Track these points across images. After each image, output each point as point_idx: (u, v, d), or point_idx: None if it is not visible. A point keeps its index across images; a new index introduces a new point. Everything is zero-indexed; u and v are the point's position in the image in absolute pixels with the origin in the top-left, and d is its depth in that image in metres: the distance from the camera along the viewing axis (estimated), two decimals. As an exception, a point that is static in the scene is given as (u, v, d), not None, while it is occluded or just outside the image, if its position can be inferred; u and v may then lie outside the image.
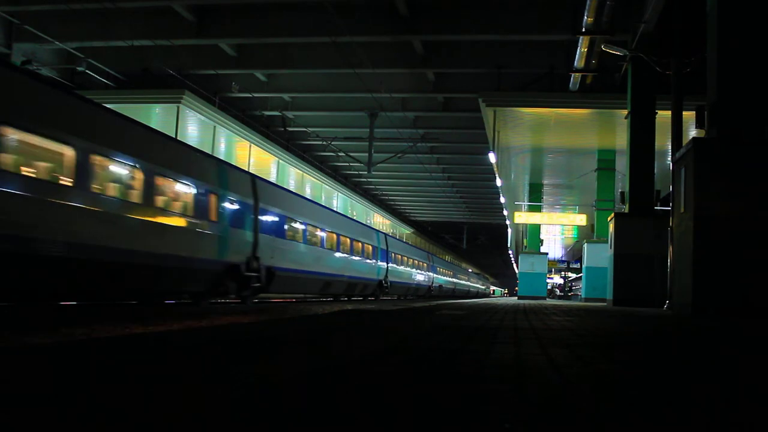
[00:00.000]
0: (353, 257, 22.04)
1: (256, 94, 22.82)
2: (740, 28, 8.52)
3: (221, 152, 22.33)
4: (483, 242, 63.29)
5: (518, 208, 29.64)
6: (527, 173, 27.27)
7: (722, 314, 7.58)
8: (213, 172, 12.77)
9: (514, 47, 18.49)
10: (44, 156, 8.48)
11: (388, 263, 26.96)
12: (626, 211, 14.38)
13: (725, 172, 8.07)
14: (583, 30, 14.69)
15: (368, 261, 24.15)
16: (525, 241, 33.22)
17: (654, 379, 2.35)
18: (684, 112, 11.89)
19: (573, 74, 17.04)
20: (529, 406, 1.71)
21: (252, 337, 3.62)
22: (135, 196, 10.03)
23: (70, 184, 8.59)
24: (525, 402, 1.76)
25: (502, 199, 29.34)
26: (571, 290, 53.06)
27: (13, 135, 7.79)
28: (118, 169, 9.84)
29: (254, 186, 14.43)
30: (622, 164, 18.14)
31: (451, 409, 1.65)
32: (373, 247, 24.90)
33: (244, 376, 2.11)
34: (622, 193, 15.12)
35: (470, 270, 70.64)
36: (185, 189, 11.55)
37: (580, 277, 30.95)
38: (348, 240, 21.40)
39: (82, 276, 9.03)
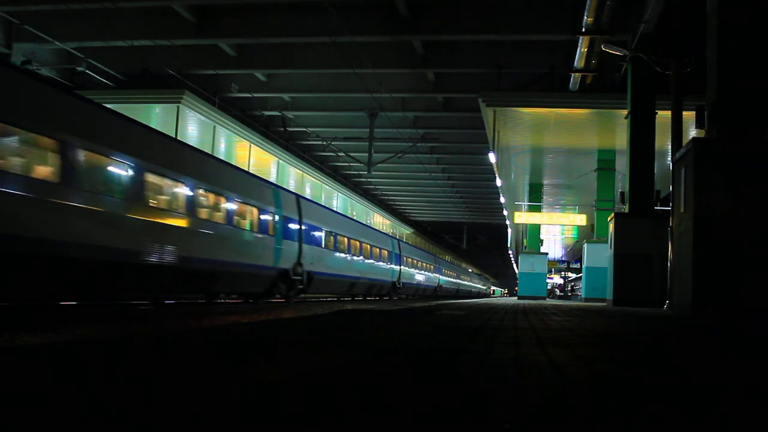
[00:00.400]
0: (373, 262, 25.01)
1: (256, 94, 22.82)
2: (740, 28, 8.52)
3: (221, 152, 22.33)
4: (483, 242, 63.28)
5: (518, 208, 29.62)
6: (527, 173, 27.26)
7: (722, 314, 7.58)
8: (272, 196, 15.75)
9: (514, 47, 18.48)
10: (177, 196, 11.56)
11: (400, 266, 29.58)
12: (626, 211, 14.37)
13: (725, 172, 8.07)
14: (583, 30, 14.69)
15: (385, 265, 26.92)
16: (525, 241, 33.22)
17: (654, 379, 2.35)
18: (684, 112, 11.88)
19: (573, 74, 17.03)
20: (529, 406, 1.71)
21: (252, 336, 3.62)
22: (229, 221, 13.35)
23: (203, 219, 12.32)
24: (525, 402, 1.76)
25: (502, 199, 29.33)
26: (572, 291, 53.07)
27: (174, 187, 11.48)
28: (222, 202, 13.18)
29: (299, 204, 17.42)
30: (622, 164, 18.13)
31: (451, 409, 1.65)
32: (389, 252, 27.76)
33: (245, 376, 2.11)
34: (622, 193, 15.12)
35: (470, 270, 70.76)
36: (256, 212, 14.69)
37: (580, 277, 30.95)
38: (369, 246, 24.27)
39: (200, 279, 12.16)
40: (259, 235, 14.76)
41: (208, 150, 17.96)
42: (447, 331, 4.28)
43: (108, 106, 11.04)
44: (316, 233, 18.45)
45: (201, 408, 1.60)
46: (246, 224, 14.21)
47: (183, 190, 11.62)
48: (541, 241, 31.52)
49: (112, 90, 19.97)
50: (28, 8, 16.99)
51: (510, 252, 51.39)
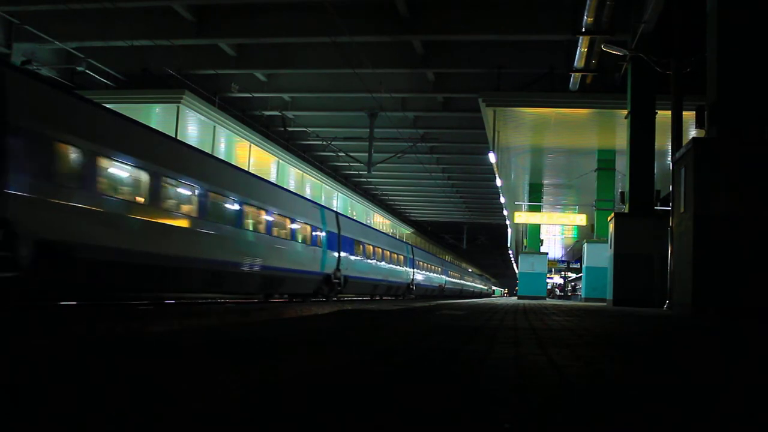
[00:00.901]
0: (393, 266, 28.92)
1: (256, 94, 22.81)
2: (740, 28, 8.51)
3: (221, 152, 22.33)
4: (483, 242, 63.27)
5: (518, 208, 29.61)
6: (527, 173, 27.25)
7: (722, 314, 7.58)
8: (318, 215, 19.58)
9: (514, 47, 18.48)
10: (263, 221, 15.83)
11: (414, 269, 33.54)
12: (626, 211, 14.37)
13: (725, 172, 8.06)
14: (583, 30, 14.68)
15: (402, 269, 30.83)
16: (525, 241, 33.22)
17: (654, 379, 2.35)
18: (684, 112, 11.87)
19: (573, 74, 17.03)
20: (529, 406, 1.71)
21: (252, 337, 3.62)
22: (289, 236, 17.42)
23: (282, 238, 16.92)
24: (525, 402, 1.76)
25: (502, 199, 29.33)
26: (573, 291, 53.07)
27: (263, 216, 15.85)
28: (289, 224, 17.37)
29: (338, 220, 21.43)
30: (622, 164, 18.12)
31: (451, 409, 1.65)
32: (404, 257, 31.71)
33: (245, 376, 2.11)
34: (622, 193, 15.11)
35: (470, 270, 70.83)
36: (310, 229, 18.69)
37: (580, 277, 30.94)
38: (389, 253, 28.20)
39: (275, 283, 16.43)
40: (312, 247, 18.74)
41: (207, 150, 17.99)
42: (447, 331, 4.28)
43: (108, 106, 11.04)
44: (352, 244, 22.39)
45: (201, 408, 1.60)
46: (304, 239, 18.30)
47: (268, 218, 15.87)
48: (541, 241, 31.52)
49: (112, 90, 19.96)
50: (28, 8, 16.98)
51: (510, 252, 51.40)
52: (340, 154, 28.59)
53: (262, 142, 23.46)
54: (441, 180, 35.43)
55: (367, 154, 25.89)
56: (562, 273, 55.74)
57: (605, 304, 14.99)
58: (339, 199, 35.04)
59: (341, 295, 21.86)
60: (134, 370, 2.22)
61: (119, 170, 10.37)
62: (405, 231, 50.37)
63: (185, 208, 12.26)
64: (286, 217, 17.05)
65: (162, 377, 2.07)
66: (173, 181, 11.67)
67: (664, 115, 13.45)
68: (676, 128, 11.74)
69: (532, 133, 20.69)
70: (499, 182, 24.61)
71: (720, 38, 8.53)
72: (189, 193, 12.40)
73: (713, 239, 8.02)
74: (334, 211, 22.34)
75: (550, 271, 45.15)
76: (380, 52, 18.84)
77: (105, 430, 1.38)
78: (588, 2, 13.75)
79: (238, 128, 21.71)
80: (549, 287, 42.85)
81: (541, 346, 3.38)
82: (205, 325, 5.88)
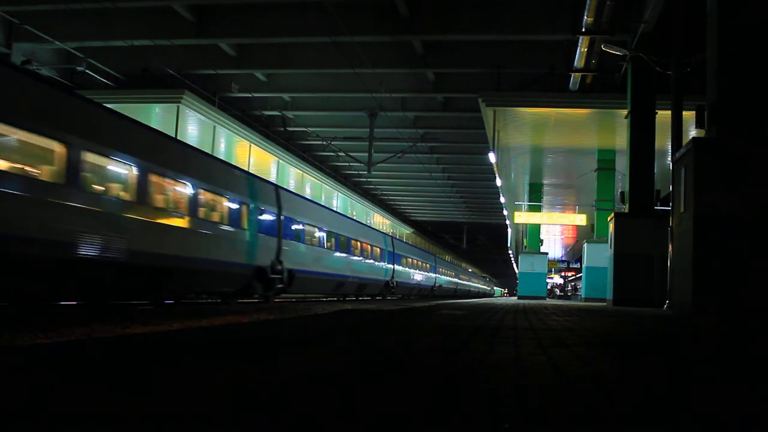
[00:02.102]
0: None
1: (256, 94, 22.81)
2: (740, 28, 8.51)
3: (221, 152, 22.34)
4: (483, 242, 63.26)
5: (518, 208, 29.61)
6: (527, 173, 27.26)
7: (722, 314, 7.58)
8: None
9: (514, 47, 18.47)
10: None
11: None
12: (626, 211, 14.37)
13: (725, 172, 8.06)
14: (583, 30, 14.68)
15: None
16: (525, 241, 33.22)
17: (654, 379, 2.35)
18: (684, 112, 11.86)
19: (573, 74, 17.02)
20: (529, 406, 1.71)
21: (252, 337, 3.62)
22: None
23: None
24: (525, 402, 1.77)
25: (502, 199, 29.33)
26: (573, 291, 53.06)
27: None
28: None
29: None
30: (622, 164, 18.13)
31: (451, 408, 1.65)
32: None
33: (245, 376, 2.11)
34: (622, 193, 15.11)
35: (470, 270, 70.75)
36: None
37: (580, 277, 30.95)
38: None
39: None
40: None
41: (207, 150, 17.96)
42: (447, 331, 4.28)
43: (108, 106, 11.03)
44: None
45: (201, 408, 1.60)
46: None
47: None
48: (541, 241, 31.52)
49: (112, 90, 19.97)
50: (28, 8, 16.97)
51: (510, 252, 51.38)
52: (340, 154, 28.59)
53: (262, 142, 23.47)
54: (441, 180, 35.44)
55: (367, 154, 25.89)
56: (562, 273, 55.73)
57: (605, 304, 14.99)
58: (339, 199, 35.05)
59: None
60: (134, 371, 2.23)
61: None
62: (405, 231, 50.39)
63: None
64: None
65: (162, 377, 2.07)
66: None
67: (664, 115, 13.45)
68: (676, 128, 11.74)
69: (532, 133, 20.69)
70: (499, 182, 24.61)
71: (720, 38, 8.53)
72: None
73: (713, 239, 8.02)
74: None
75: (550, 271, 45.13)
76: (380, 52, 18.84)
77: (105, 430, 1.38)
78: (588, 2, 13.75)
79: (238, 128, 21.72)
80: (549, 287, 42.84)
81: (541, 346, 3.38)
82: (205, 324, 5.88)
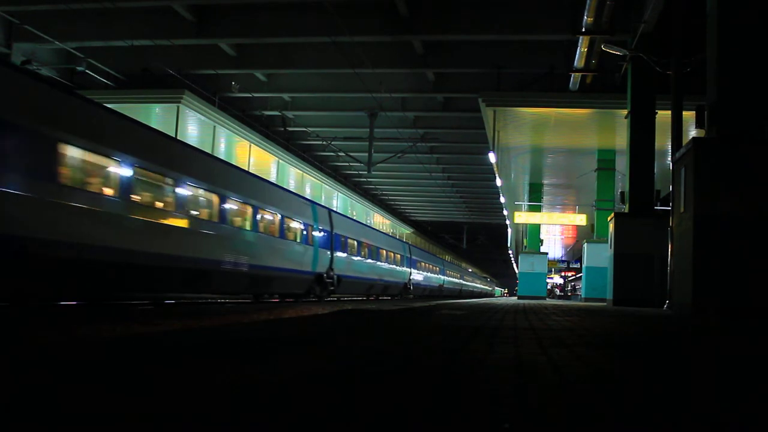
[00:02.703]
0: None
1: (256, 94, 22.81)
2: (740, 28, 8.51)
3: (221, 152, 22.34)
4: (483, 242, 63.26)
5: (518, 208, 29.61)
6: (527, 173, 27.25)
7: (722, 314, 7.58)
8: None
9: (514, 47, 18.48)
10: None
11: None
12: (626, 211, 14.37)
13: (725, 172, 8.06)
14: (583, 30, 14.68)
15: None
16: (525, 241, 33.22)
17: (654, 379, 2.35)
18: (684, 112, 11.87)
19: (573, 74, 17.02)
20: (529, 406, 1.71)
21: (252, 336, 3.63)
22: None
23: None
24: (525, 402, 1.77)
25: (502, 199, 29.33)
26: (573, 291, 53.07)
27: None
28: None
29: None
30: (622, 164, 18.12)
31: (451, 408, 1.65)
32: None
33: (245, 376, 2.11)
34: (622, 193, 15.11)
35: (470, 270, 70.81)
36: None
37: (580, 276, 30.97)
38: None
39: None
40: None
41: (207, 150, 18.00)
42: (447, 331, 4.28)
43: (108, 106, 11.03)
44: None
45: (200, 408, 1.60)
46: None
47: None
48: (541, 241, 31.52)
49: (112, 90, 19.97)
50: (28, 8, 16.97)
51: (510, 252, 51.39)
52: (340, 154, 28.59)
53: (262, 142, 23.46)
54: (441, 180, 35.44)
55: (367, 154, 25.90)
56: (562, 273, 55.74)
57: (605, 304, 14.99)
58: (339, 199, 35.05)
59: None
60: (133, 371, 2.23)
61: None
62: (405, 231, 50.38)
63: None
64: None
65: (161, 377, 2.07)
66: None
67: (664, 115, 13.45)
68: (676, 128, 11.74)
69: (532, 133, 20.69)
70: (499, 182, 24.61)
71: (720, 38, 8.53)
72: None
73: (713, 239, 8.02)
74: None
75: (550, 271, 45.15)
76: (380, 52, 18.84)
77: (104, 430, 1.38)
78: (588, 2, 13.75)
79: (238, 128, 21.72)
80: (549, 287, 42.85)
81: (541, 346, 3.38)
82: (206, 324, 5.88)
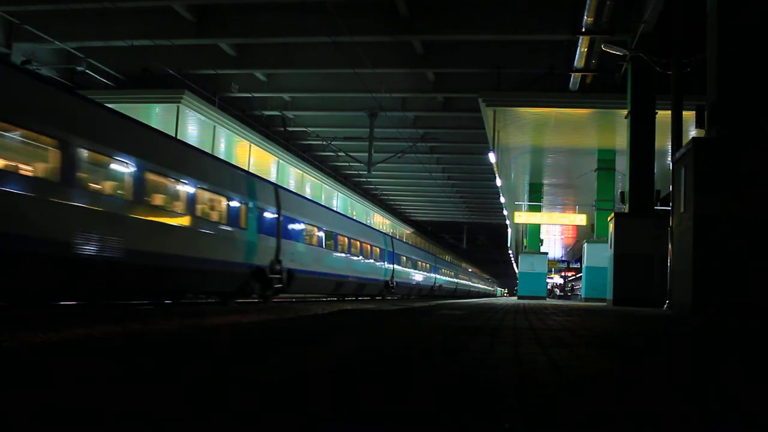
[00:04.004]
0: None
1: (256, 94, 22.81)
2: (740, 28, 8.51)
3: (221, 152, 22.34)
4: (483, 242, 63.27)
5: (518, 208, 29.62)
6: (527, 173, 27.26)
7: (722, 314, 7.58)
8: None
9: (514, 47, 18.48)
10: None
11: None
12: (626, 211, 14.37)
13: (725, 172, 8.06)
14: (583, 30, 14.68)
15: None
16: (525, 241, 33.23)
17: (654, 379, 2.35)
18: (684, 112, 11.87)
19: (573, 74, 17.02)
20: (529, 406, 1.71)
21: (252, 336, 3.62)
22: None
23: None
24: (525, 402, 1.77)
25: (502, 199, 29.33)
26: (572, 291, 53.08)
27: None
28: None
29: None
30: (622, 164, 18.12)
31: (451, 408, 1.65)
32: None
33: (245, 376, 2.11)
34: (622, 193, 15.12)
35: (471, 270, 70.76)
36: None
37: (580, 276, 30.98)
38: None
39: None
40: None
41: (208, 150, 17.98)
42: (447, 331, 4.28)
43: (108, 106, 11.03)
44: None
45: (200, 408, 1.60)
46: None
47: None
48: (541, 241, 31.53)
49: (112, 90, 19.97)
50: (28, 8, 16.98)
51: (510, 252, 51.38)
52: (340, 154, 28.60)
53: (262, 142, 23.46)
54: (441, 180, 35.45)
55: (367, 154, 25.90)
56: (562, 273, 55.75)
57: (605, 304, 14.99)
58: (339, 199, 35.06)
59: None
60: (133, 371, 2.23)
61: None
62: (405, 231, 50.40)
63: None
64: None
65: (161, 377, 2.07)
66: None
67: (664, 115, 13.45)
68: (676, 128, 11.74)
69: (532, 133, 20.70)
70: (499, 182, 24.62)
71: (720, 38, 8.53)
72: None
73: (713, 239, 8.02)
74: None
75: (550, 271, 45.17)
76: (380, 52, 18.84)
77: (103, 430, 1.38)
78: (588, 2, 13.75)
79: (238, 128, 21.72)
80: (549, 287, 42.86)
81: (541, 346, 3.38)
82: (206, 324, 5.88)
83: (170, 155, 11.63)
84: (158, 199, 10.99)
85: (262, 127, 24.36)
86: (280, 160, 25.97)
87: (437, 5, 16.92)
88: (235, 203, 13.61)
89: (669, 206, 11.09)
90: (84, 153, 9.11)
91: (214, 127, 20.67)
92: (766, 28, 8.42)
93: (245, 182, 14.54)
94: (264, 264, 14.66)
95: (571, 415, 1.63)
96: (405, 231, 50.02)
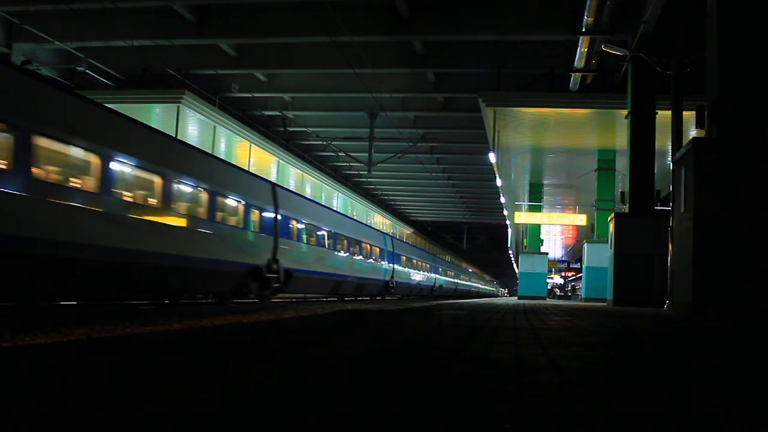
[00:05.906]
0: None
1: (256, 94, 22.82)
2: (740, 28, 8.52)
3: (221, 152, 22.35)
4: (483, 242, 63.29)
5: (518, 208, 29.65)
6: (527, 173, 27.28)
7: (722, 314, 7.58)
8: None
9: (514, 47, 18.49)
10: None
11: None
12: (626, 211, 14.37)
13: (725, 172, 8.07)
14: (583, 30, 14.69)
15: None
16: (525, 241, 33.24)
17: (654, 379, 2.35)
18: (684, 112, 11.88)
19: (573, 74, 17.04)
20: (529, 406, 1.71)
21: (253, 337, 3.62)
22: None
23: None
24: (525, 402, 1.76)
25: (502, 199, 29.35)
26: (573, 291, 53.08)
27: None
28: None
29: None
30: (622, 164, 18.15)
31: (451, 408, 1.65)
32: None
33: (245, 376, 2.11)
34: (622, 193, 15.13)
35: (471, 270, 70.78)
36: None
37: (580, 277, 30.99)
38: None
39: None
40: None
41: (208, 149, 17.98)
42: (447, 331, 4.28)
43: (108, 106, 11.03)
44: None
45: (200, 408, 1.60)
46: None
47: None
48: (541, 241, 31.55)
49: (112, 90, 19.99)
50: (28, 8, 16.99)
51: (510, 252, 51.40)
52: (340, 154, 28.61)
53: (262, 142, 23.47)
54: (441, 180, 35.46)
55: (367, 154, 25.91)
56: (562, 273, 55.77)
57: (605, 304, 14.99)
58: (339, 199, 35.08)
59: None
60: (133, 371, 2.23)
61: None
62: (405, 231, 50.42)
63: None
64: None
65: (161, 377, 2.07)
66: None
67: (664, 115, 13.46)
68: (676, 128, 11.75)
69: (532, 133, 20.71)
70: (499, 182, 24.63)
71: (720, 38, 8.54)
72: None
73: (713, 239, 8.02)
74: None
75: (550, 271, 45.18)
76: (380, 52, 18.85)
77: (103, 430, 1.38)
78: (588, 2, 13.76)
79: (238, 128, 21.72)
80: (549, 287, 42.87)
81: (541, 346, 3.38)
82: (205, 324, 5.88)
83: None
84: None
85: (262, 127, 24.37)
86: (280, 161, 25.97)
87: (437, 5, 16.93)
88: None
89: (669, 206, 11.10)
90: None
91: (215, 127, 20.68)
92: (766, 28, 8.43)
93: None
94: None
95: (571, 415, 1.63)
96: (405, 231, 50.00)
